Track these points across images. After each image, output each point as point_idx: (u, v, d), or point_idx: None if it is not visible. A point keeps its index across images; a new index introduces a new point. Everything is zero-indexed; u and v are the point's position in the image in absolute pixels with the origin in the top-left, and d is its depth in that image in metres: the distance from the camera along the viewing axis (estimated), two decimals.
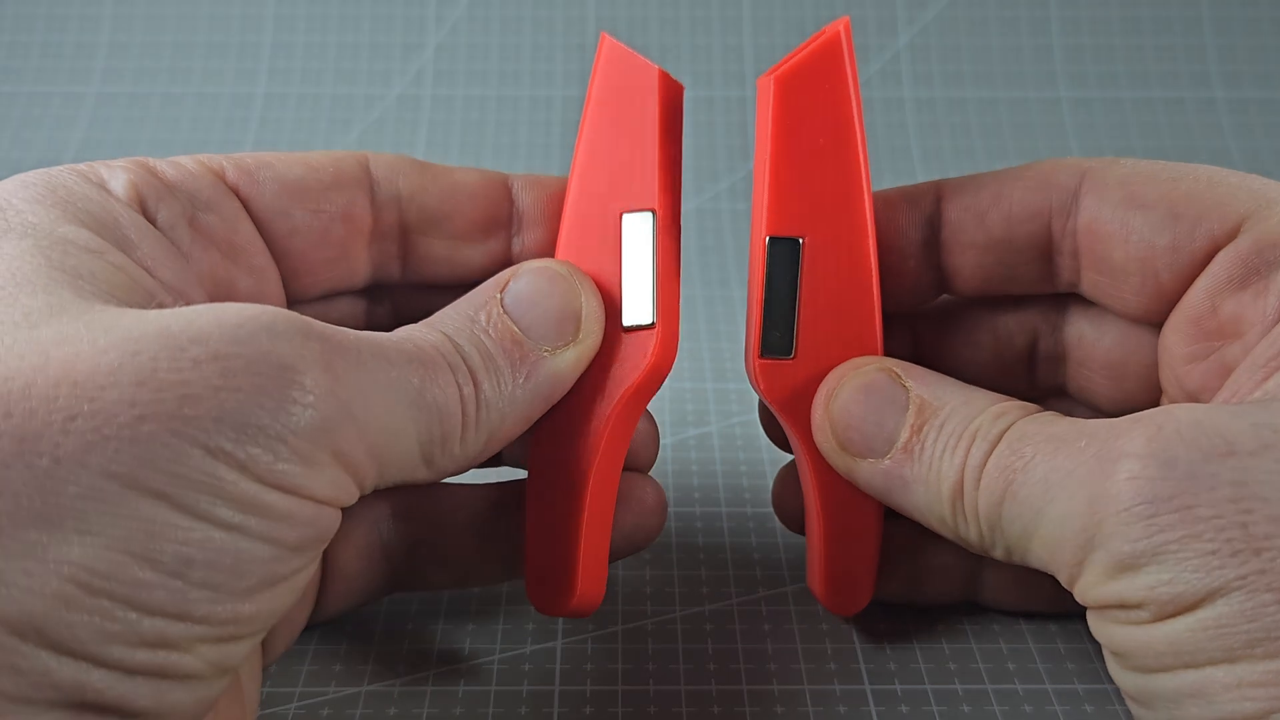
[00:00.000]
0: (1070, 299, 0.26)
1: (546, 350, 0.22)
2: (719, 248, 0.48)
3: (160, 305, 0.20)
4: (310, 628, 0.28)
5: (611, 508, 0.25)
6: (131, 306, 0.19)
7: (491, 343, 0.22)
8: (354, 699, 0.26)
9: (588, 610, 0.25)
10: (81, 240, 0.19)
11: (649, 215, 0.24)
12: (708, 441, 0.36)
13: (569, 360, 0.23)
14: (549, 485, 0.24)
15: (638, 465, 0.27)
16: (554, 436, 0.24)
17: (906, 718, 0.25)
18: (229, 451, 0.17)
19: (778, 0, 0.54)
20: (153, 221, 0.22)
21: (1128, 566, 0.19)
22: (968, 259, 0.25)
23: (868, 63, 0.53)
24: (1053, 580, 0.26)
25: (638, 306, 0.24)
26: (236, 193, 0.24)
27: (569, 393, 0.23)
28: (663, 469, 0.34)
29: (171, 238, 0.22)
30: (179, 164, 0.23)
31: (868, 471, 0.23)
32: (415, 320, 0.23)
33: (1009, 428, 0.21)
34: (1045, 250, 0.25)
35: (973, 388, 0.23)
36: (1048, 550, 0.20)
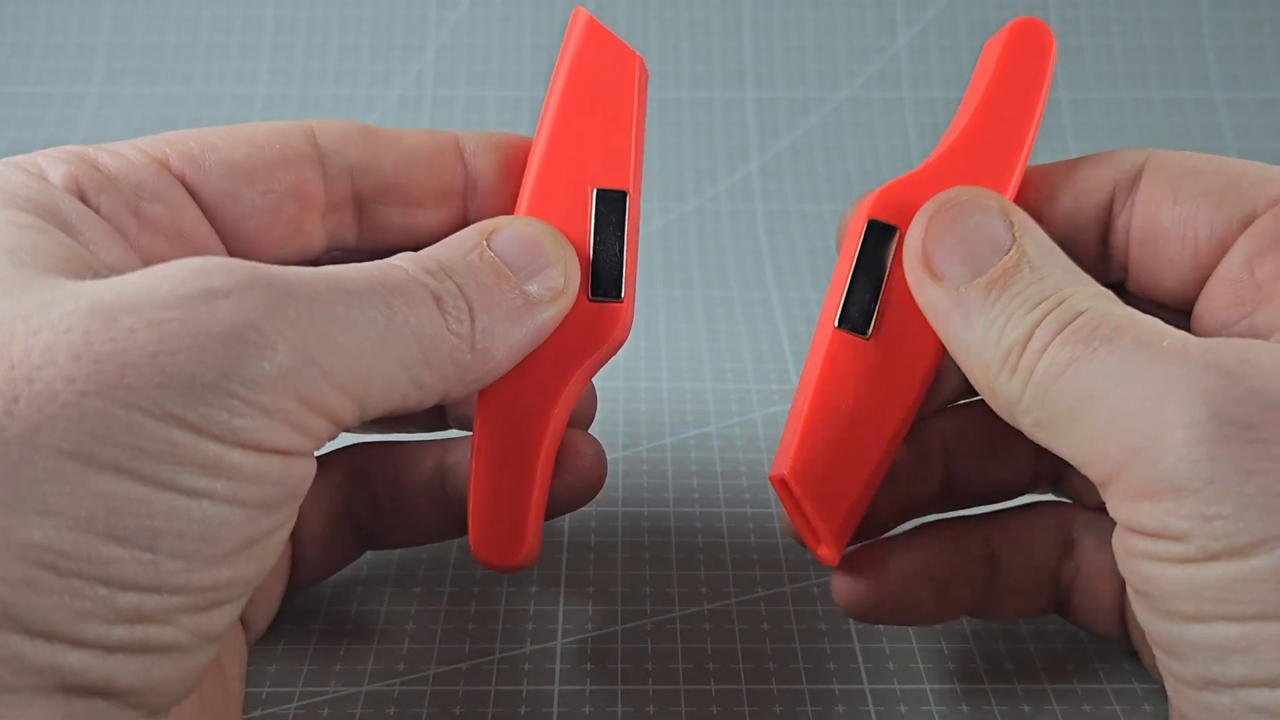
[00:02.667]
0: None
1: (534, 296, 0.22)
2: (718, 248, 0.48)
3: (98, 277, 0.19)
4: (311, 627, 0.28)
5: (552, 466, 0.25)
6: (76, 278, 0.18)
7: (485, 275, 0.22)
8: (354, 699, 0.26)
9: (528, 563, 0.25)
10: (22, 221, 0.19)
11: (623, 194, 0.24)
12: (707, 442, 0.36)
13: (554, 310, 0.23)
14: (500, 442, 0.24)
15: (579, 423, 0.27)
16: (509, 394, 0.24)
17: (905, 717, 0.25)
18: (179, 415, 0.16)
19: (777, 2, 0.54)
20: (96, 212, 0.21)
21: (1179, 489, 0.17)
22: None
23: (867, 63, 0.53)
24: (1049, 588, 0.26)
25: (607, 280, 0.24)
26: (182, 180, 0.23)
27: (528, 358, 0.23)
28: (663, 469, 0.34)
29: (116, 227, 0.21)
30: (119, 154, 0.23)
31: (935, 296, 0.22)
32: None
33: (1093, 304, 0.20)
34: (1104, 229, 0.25)
35: (1071, 262, 0.22)
36: (1089, 437, 0.19)
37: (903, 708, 0.26)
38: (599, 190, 0.24)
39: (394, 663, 0.27)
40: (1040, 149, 0.24)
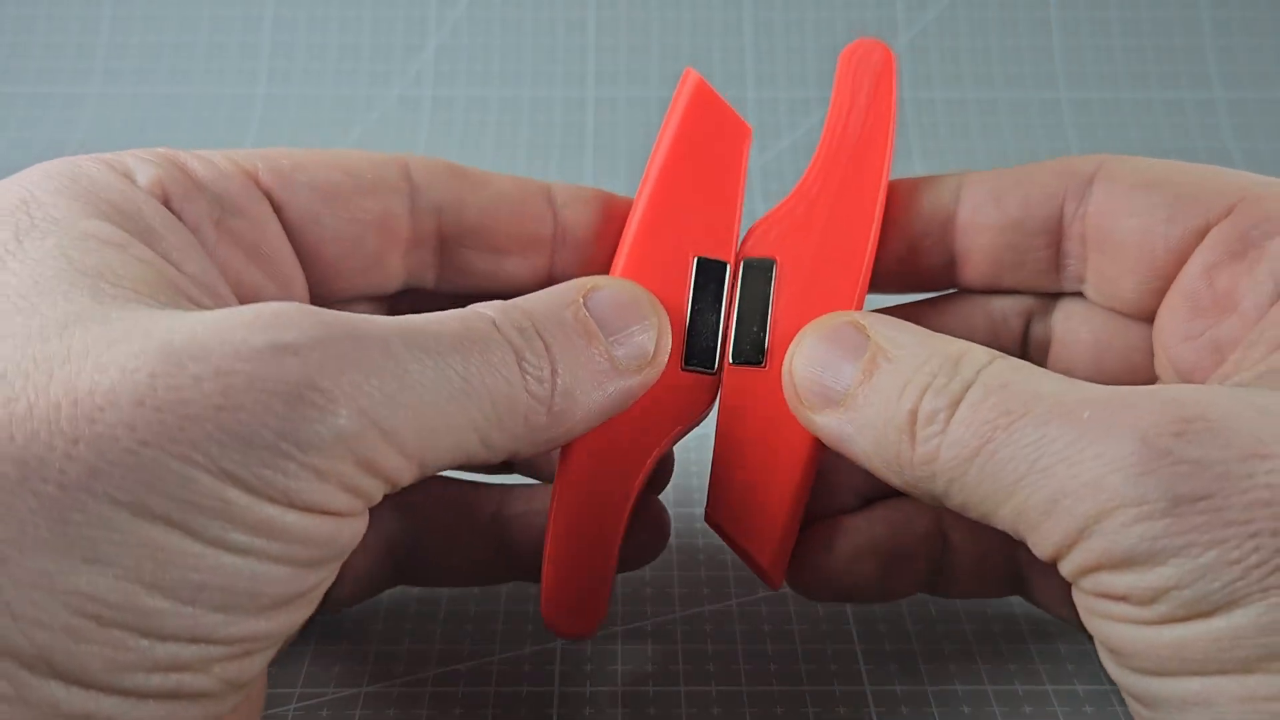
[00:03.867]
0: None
1: (621, 363, 0.22)
2: None
3: (189, 299, 0.19)
4: (309, 628, 0.28)
5: (622, 535, 0.25)
6: (157, 302, 0.18)
7: (575, 334, 0.21)
8: (353, 699, 0.26)
9: (593, 633, 0.25)
10: (104, 234, 0.19)
11: (723, 265, 0.24)
12: (707, 443, 0.35)
13: (639, 379, 0.22)
14: (581, 511, 0.24)
15: (655, 487, 0.27)
16: (592, 462, 0.24)
17: (907, 719, 0.25)
18: (234, 474, 0.16)
19: (777, 2, 0.54)
20: (179, 219, 0.21)
21: (1137, 562, 0.17)
22: (982, 240, 0.25)
23: None
24: (1006, 570, 0.26)
25: (702, 351, 0.24)
26: (269, 196, 0.23)
27: (614, 424, 0.23)
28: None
29: (196, 237, 0.21)
30: (210, 161, 0.22)
31: (823, 423, 0.22)
32: None
33: (981, 371, 0.20)
34: (1056, 236, 0.25)
35: (934, 333, 0.22)
36: (1024, 520, 0.19)
37: (904, 709, 0.26)
38: (700, 259, 0.24)
39: (393, 664, 0.27)
40: (1042, 149, 0.24)
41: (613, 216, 0.25)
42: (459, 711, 0.25)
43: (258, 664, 0.18)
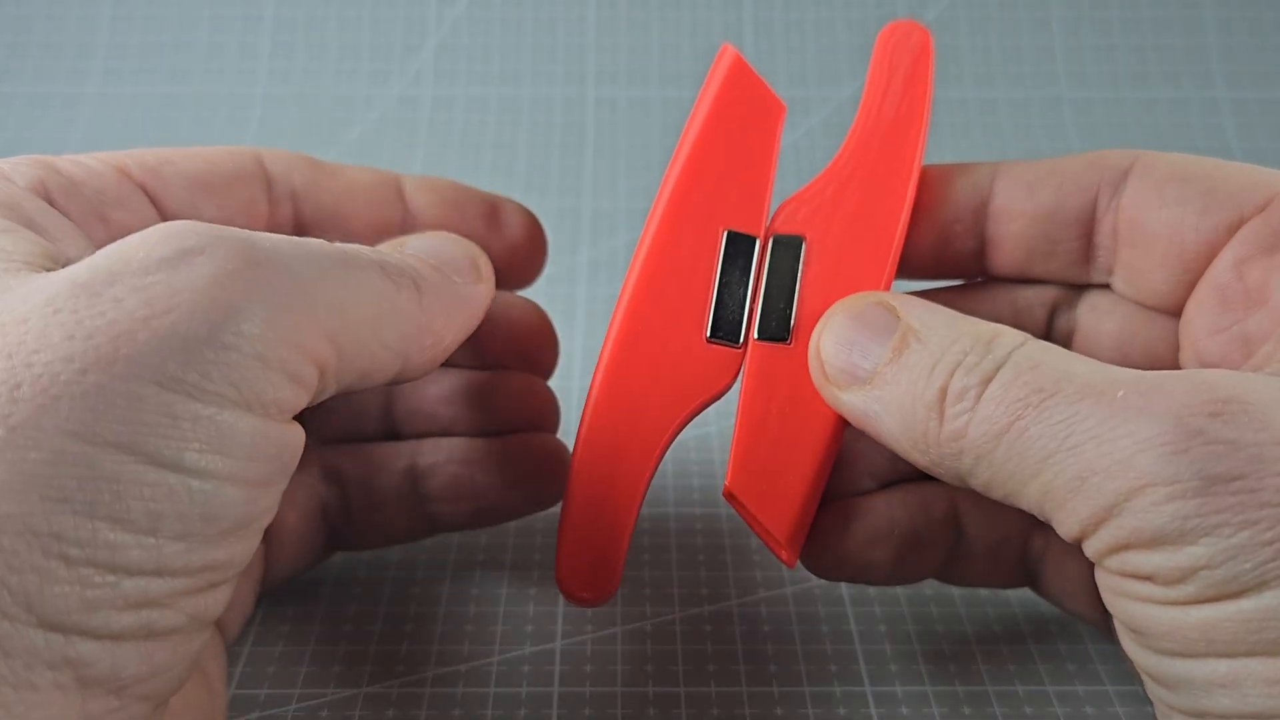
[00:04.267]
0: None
1: (457, 282, 0.23)
2: None
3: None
4: (309, 628, 0.28)
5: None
6: (47, 271, 0.18)
7: (414, 261, 0.22)
8: (353, 700, 0.26)
9: (606, 601, 0.25)
10: None
11: (753, 240, 0.24)
12: (707, 442, 0.35)
13: (481, 288, 0.24)
14: (602, 478, 0.24)
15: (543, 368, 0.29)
16: (614, 430, 0.24)
17: (906, 719, 0.25)
18: (180, 376, 0.16)
19: (777, 2, 0.54)
20: (64, 215, 0.22)
21: (1167, 541, 0.17)
22: (1014, 229, 0.25)
23: (867, 63, 0.53)
24: (1018, 559, 0.26)
25: (727, 324, 0.24)
26: (144, 189, 0.24)
27: (637, 394, 0.23)
28: (663, 469, 0.34)
29: (83, 231, 0.22)
30: (81, 162, 0.23)
31: (850, 401, 0.22)
32: None
33: (1013, 352, 0.20)
34: (1088, 227, 0.25)
35: (965, 315, 0.22)
36: (1051, 498, 0.19)
37: (905, 709, 0.25)
38: (730, 232, 0.24)
39: (393, 664, 0.27)
40: (1043, 149, 0.24)
41: (461, 204, 0.27)
42: (458, 712, 0.25)
43: (220, 597, 0.18)
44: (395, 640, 0.27)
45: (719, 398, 0.24)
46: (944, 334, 0.21)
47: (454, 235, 0.25)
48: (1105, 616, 0.26)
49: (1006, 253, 0.26)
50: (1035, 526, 0.26)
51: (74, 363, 0.16)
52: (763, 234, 0.25)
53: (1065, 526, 0.19)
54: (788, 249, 0.24)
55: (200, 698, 0.21)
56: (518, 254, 0.28)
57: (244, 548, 0.18)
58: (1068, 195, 0.25)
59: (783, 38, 0.54)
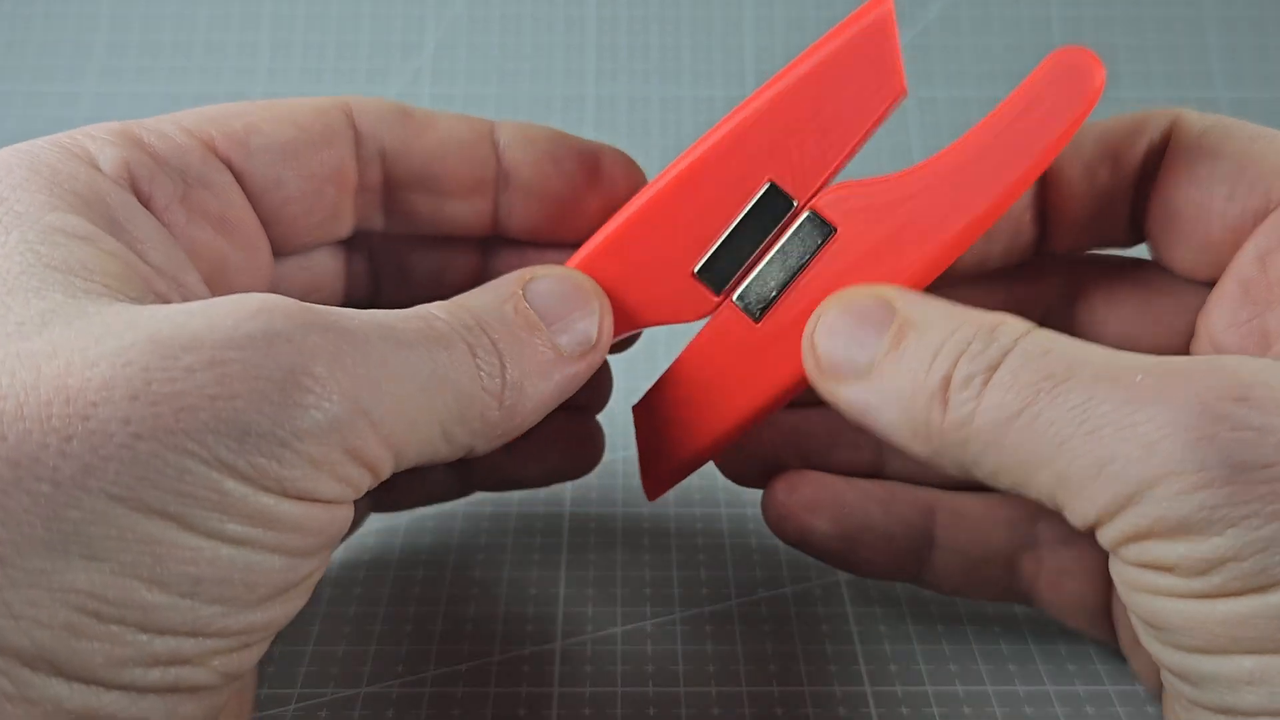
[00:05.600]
0: (1089, 277, 0.26)
1: (565, 349, 0.22)
2: None
3: (156, 294, 0.19)
4: (309, 628, 0.28)
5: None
6: (127, 296, 0.18)
7: (519, 327, 0.21)
8: (352, 700, 0.26)
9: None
10: (71, 227, 0.19)
11: (792, 203, 0.23)
12: None
13: (583, 364, 0.22)
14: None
15: (593, 407, 0.29)
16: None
17: (906, 719, 0.25)
18: (230, 463, 0.16)
19: (778, 2, 0.54)
20: (146, 202, 0.21)
21: (1191, 531, 0.17)
22: (1070, 209, 0.24)
23: None
24: (1004, 579, 0.26)
25: (719, 271, 0.24)
26: (228, 164, 0.23)
27: (606, 289, 0.23)
28: None
29: (166, 220, 0.21)
30: (166, 135, 0.22)
31: (847, 395, 0.21)
32: (392, 270, 0.22)
33: (1020, 339, 0.19)
34: (1130, 195, 0.24)
35: (963, 305, 0.21)
36: (1065, 485, 0.18)
37: (904, 710, 0.25)
38: (772, 184, 0.23)
39: (392, 664, 0.27)
40: None
41: (559, 157, 0.25)
42: (458, 712, 0.25)
43: (254, 655, 0.18)
44: (395, 640, 0.27)
45: (676, 323, 0.24)
46: (944, 323, 0.21)
47: (583, 281, 0.23)
48: (1110, 634, 0.26)
49: (1064, 230, 0.25)
50: (1024, 549, 0.26)
51: (130, 425, 0.16)
52: (803, 202, 0.23)
53: (1079, 513, 0.19)
54: (815, 232, 0.23)
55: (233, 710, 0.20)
56: (617, 208, 0.25)
57: (285, 610, 0.18)
58: (1121, 169, 0.24)
59: (784, 36, 0.54)
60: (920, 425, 0.20)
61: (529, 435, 0.25)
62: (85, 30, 0.55)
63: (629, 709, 0.25)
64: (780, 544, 0.31)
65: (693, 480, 0.34)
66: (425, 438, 0.19)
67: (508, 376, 0.20)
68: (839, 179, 0.23)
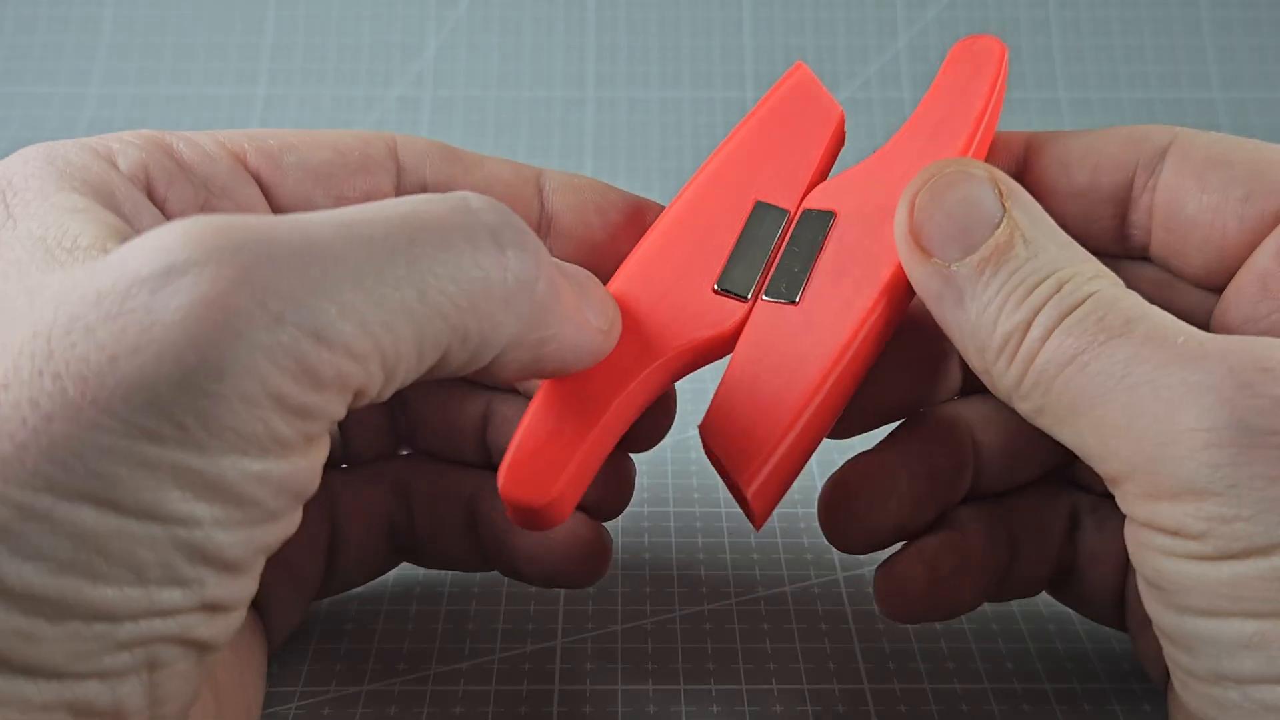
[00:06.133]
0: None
1: (591, 308, 0.21)
2: None
3: None
4: (312, 627, 0.28)
5: (616, 436, 0.23)
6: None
7: (555, 274, 0.19)
8: (354, 698, 0.26)
9: (552, 521, 0.22)
10: (65, 204, 0.18)
11: (784, 213, 0.25)
12: None
13: (603, 335, 0.21)
14: (572, 386, 0.23)
15: (607, 512, 0.26)
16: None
17: (905, 717, 0.25)
18: (150, 428, 0.14)
19: (777, 2, 0.54)
20: (161, 205, 0.21)
21: (1200, 492, 0.17)
22: (1048, 208, 0.24)
23: (867, 63, 0.53)
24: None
25: (741, 277, 0.24)
26: (258, 178, 0.22)
27: (630, 322, 0.23)
28: (663, 469, 0.34)
29: None
30: (197, 144, 0.21)
31: (926, 272, 0.21)
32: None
33: (1100, 290, 0.19)
34: (1123, 206, 0.24)
35: (1066, 236, 0.21)
36: (1098, 434, 0.18)
37: (903, 707, 0.26)
38: (759, 203, 0.25)
39: (394, 662, 0.27)
40: None
41: (603, 207, 0.25)
42: (459, 710, 0.25)
43: (232, 623, 0.17)
44: (397, 638, 0.28)
45: (717, 347, 0.24)
46: (1053, 253, 0.20)
47: (598, 285, 0.22)
48: (1129, 622, 0.26)
49: None
50: (1068, 537, 0.26)
51: (39, 407, 0.14)
52: (794, 211, 0.25)
53: (1106, 466, 0.19)
54: (816, 222, 0.24)
55: (238, 710, 0.20)
56: None
57: (251, 580, 0.17)
58: (1104, 174, 0.24)
59: (783, 37, 0.54)
60: (985, 345, 0.20)
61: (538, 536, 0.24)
62: (88, 33, 0.55)
63: (629, 707, 0.26)
64: (780, 543, 0.31)
65: (693, 480, 0.34)
66: (419, 335, 0.17)
67: (541, 273, 0.18)
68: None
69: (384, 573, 0.28)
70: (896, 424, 0.26)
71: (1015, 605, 0.29)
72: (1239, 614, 0.17)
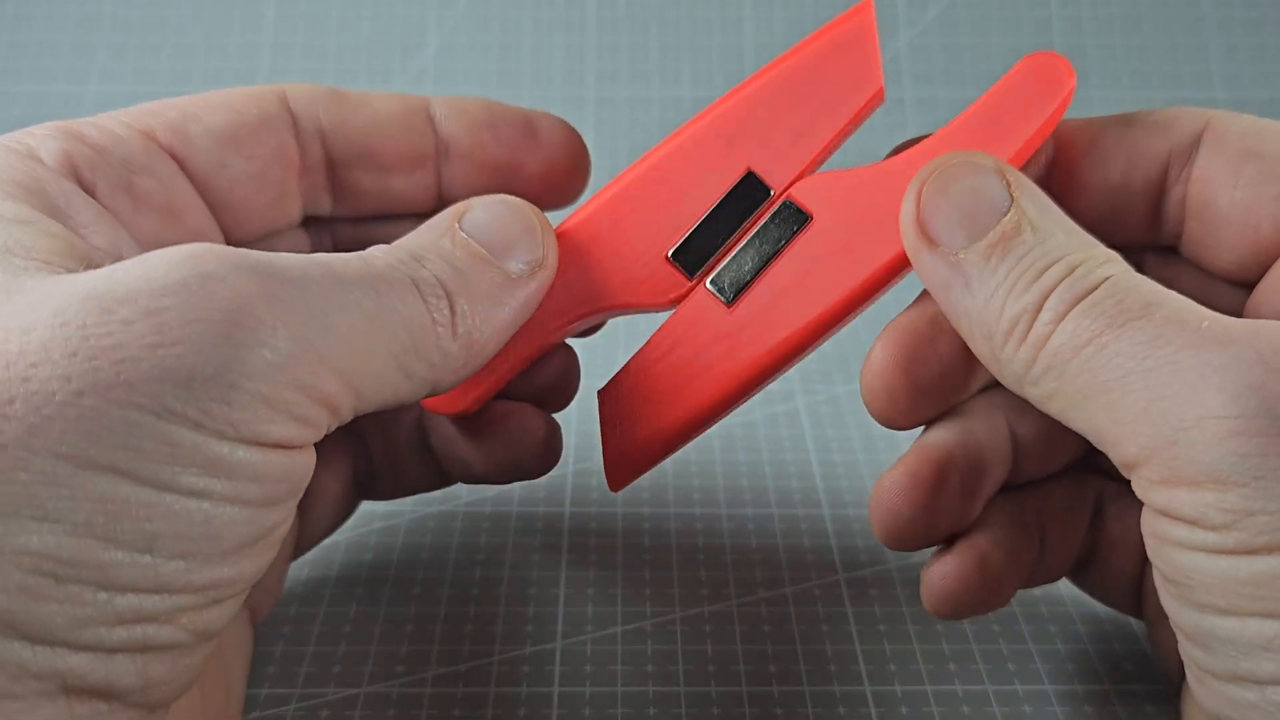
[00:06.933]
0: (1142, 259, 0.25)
1: (513, 272, 0.22)
2: None
3: (93, 267, 0.19)
4: (310, 628, 0.28)
5: (528, 359, 0.24)
6: (68, 270, 0.18)
7: (459, 258, 0.21)
8: (353, 700, 0.26)
9: (468, 412, 0.24)
10: (10, 213, 0.19)
11: (769, 192, 0.24)
12: (707, 442, 0.35)
13: (535, 283, 0.22)
14: None
15: (555, 404, 0.26)
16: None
17: (906, 719, 0.25)
18: (178, 411, 0.16)
19: (777, 2, 0.54)
20: (91, 191, 0.21)
21: (1222, 480, 0.16)
22: (1082, 202, 0.24)
23: None
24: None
25: (696, 252, 0.23)
26: (170, 152, 0.23)
27: (576, 266, 0.23)
28: (662, 469, 0.34)
29: (111, 207, 0.21)
30: (105, 127, 0.22)
31: (933, 260, 0.21)
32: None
33: (1112, 274, 0.19)
34: (1157, 196, 0.24)
35: (1074, 224, 0.21)
36: (1114, 417, 0.18)
37: (904, 709, 0.25)
38: (750, 173, 0.24)
39: (393, 664, 0.27)
40: None
41: (494, 124, 0.25)
42: (458, 712, 0.25)
43: (226, 612, 0.18)
44: (395, 640, 0.27)
45: (645, 311, 0.24)
46: (1061, 239, 0.20)
47: (518, 204, 0.23)
48: (1146, 611, 0.25)
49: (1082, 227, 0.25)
50: (1091, 524, 0.25)
51: (71, 383, 0.15)
52: (780, 191, 0.24)
53: (1121, 452, 0.18)
54: (791, 219, 0.23)
55: (218, 689, 0.20)
56: (556, 171, 0.26)
57: (254, 565, 0.18)
58: (1138, 168, 0.23)
59: (784, 36, 0.54)
60: (993, 330, 0.20)
61: (487, 430, 0.25)
62: (86, 31, 0.55)
63: (629, 709, 0.25)
64: (780, 544, 0.31)
65: (693, 480, 0.34)
66: (381, 373, 0.19)
67: (457, 306, 0.20)
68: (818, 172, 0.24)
69: (348, 518, 0.29)
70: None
71: (1016, 607, 0.29)
72: (1260, 614, 0.16)
